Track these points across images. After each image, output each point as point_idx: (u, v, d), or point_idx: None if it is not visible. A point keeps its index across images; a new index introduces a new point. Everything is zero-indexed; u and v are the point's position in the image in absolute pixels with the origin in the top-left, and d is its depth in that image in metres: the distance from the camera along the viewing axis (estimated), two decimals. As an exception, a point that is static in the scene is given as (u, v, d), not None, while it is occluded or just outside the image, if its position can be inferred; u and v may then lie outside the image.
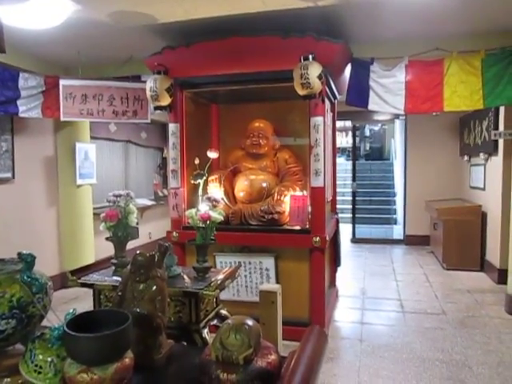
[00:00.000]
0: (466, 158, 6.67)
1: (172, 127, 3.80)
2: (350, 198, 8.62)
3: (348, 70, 3.91)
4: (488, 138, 5.41)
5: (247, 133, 4.04)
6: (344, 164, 12.79)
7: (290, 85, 3.27)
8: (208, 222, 2.35)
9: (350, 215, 8.47)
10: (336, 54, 3.38)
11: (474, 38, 3.86)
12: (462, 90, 3.69)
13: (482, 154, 5.67)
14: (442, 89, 3.73)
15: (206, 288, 2.07)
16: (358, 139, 11.89)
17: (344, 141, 15.67)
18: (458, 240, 5.87)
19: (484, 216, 5.72)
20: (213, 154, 3.91)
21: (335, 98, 4.45)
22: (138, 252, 1.41)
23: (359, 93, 3.88)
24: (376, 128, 15.45)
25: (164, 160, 7.75)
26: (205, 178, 3.76)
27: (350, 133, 13.15)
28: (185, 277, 2.25)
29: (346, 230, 7.70)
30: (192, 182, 3.83)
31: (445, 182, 7.23)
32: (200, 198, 3.50)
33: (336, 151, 4.82)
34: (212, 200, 2.53)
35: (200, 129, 4.26)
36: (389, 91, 3.85)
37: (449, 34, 3.83)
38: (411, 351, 3.41)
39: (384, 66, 3.84)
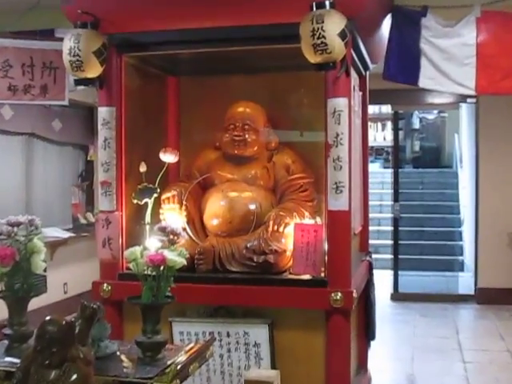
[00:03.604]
0: None
1: (104, 113, 3.78)
2: (390, 229, 8.64)
3: (387, 25, 3.96)
4: None
5: (225, 123, 4.04)
6: (379, 174, 12.89)
7: (294, 47, 3.29)
8: (162, 269, 2.34)
9: (389, 256, 8.48)
10: (367, 0, 3.42)
11: None
12: None
13: None
14: (535, 57, 3.80)
15: (159, 377, 2.04)
16: (401, 134, 12.02)
17: (379, 137, 15.83)
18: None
19: None
20: (169, 157, 3.90)
21: (367, 68, 4.48)
22: (47, 318, 1.39)
23: (404, 61, 3.94)
24: (430, 117, 15.65)
25: (89, 165, 7.71)
26: (156, 195, 3.76)
27: (390, 124, 13.28)
28: (123, 358, 2.22)
29: (383, 280, 7.70)
30: (135, 201, 3.82)
31: (540, 203, 7.31)
32: (148, 227, 3.47)
33: (368, 153, 4.85)
34: (168, 232, 2.52)
35: (149, 116, 4.26)
36: (451, 59, 3.91)
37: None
38: None
39: (443, 20, 3.91)
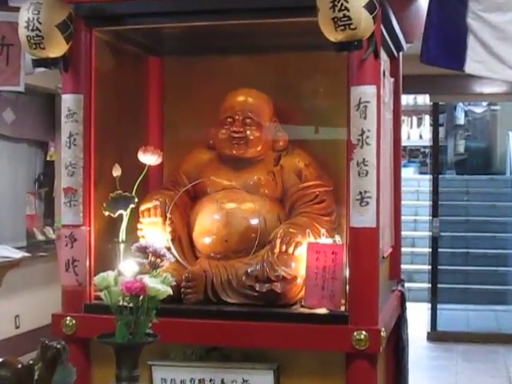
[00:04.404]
0: None
1: (69, 102, 3.79)
2: (427, 251, 8.63)
3: (425, -5, 3.97)
4: None
5: (221, 116, 4.05)
6: (414, 181, 12.89)
7: (309, 21, 3.31)
8: (141, 299, 2.35)
9: (426, 285, 8.46)
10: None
11: None
12: None
13: None
14: None
15: None
16: (442, 132, 12.02)
17: (414, 134, 15.81)
18: None
19: None
20: (150, 158, 3.90)
21: (400, 49, 4.50)
22: (-2, 360, 1.38)
23: (447, 40, 3.93)
24: (478, 110, 15.65)
25: (49, 167, 7.71)
26: (133, 206, 3.76)
27: (428, 119, 13.28)
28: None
29: (418, 316, 7.68)
30: (107, 213, 3.82)
31: None
32: (123, 247, 3.47)
33: (400, 155, 4.86)
34: (149, 252, 2.52)
35: (125, 106, 4.28)
36: (505, 38, 3.91)
37: None
38: None
39: (496, -9, 3.91)
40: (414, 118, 15.84)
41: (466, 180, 12.92)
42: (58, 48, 3.60)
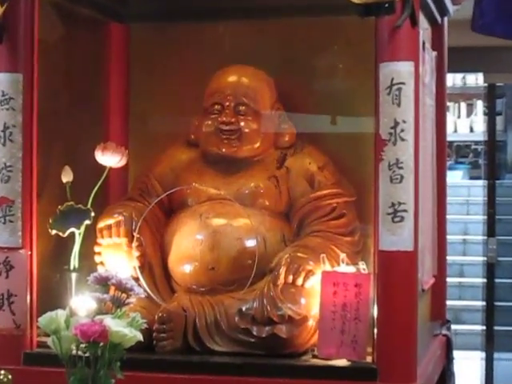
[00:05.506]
0: None
1: (3, 83, 3.77)
2: (481, 282, 8.64)
3: None
4: None
5: (207, 102, 4.08)
6: (464, 189, 12.89)
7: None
8: (101, 347, 2.35)
9: (479, 327, 8.48)
10: None
11: None
12: None
13: None
14: None
15: None
16: (500, 122, 12.02)
17: (463, 126, 15.81)
18: None
19: None
20: (110, 159, 3.93)
21: (444, 13, 4.52)
22: None
23: (506, 4, 3.97)
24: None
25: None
26: (89, 222, 3.77)
27: (481, 106, 13.31)
28: None
29: (469, 368, 7.69)
30: (53, 232, 3.82)
31: None
32: (74, 277, 3.49)
33: (445, 154, 4.89)
34: (112, 284, 2.52)
35: (79, 89, 4.30)
36: None
37: None
38: None
39: None
40: (463, 105, 15.81)
41: (531, 187, 12.96)
42: (-11, 12, 3.62)
